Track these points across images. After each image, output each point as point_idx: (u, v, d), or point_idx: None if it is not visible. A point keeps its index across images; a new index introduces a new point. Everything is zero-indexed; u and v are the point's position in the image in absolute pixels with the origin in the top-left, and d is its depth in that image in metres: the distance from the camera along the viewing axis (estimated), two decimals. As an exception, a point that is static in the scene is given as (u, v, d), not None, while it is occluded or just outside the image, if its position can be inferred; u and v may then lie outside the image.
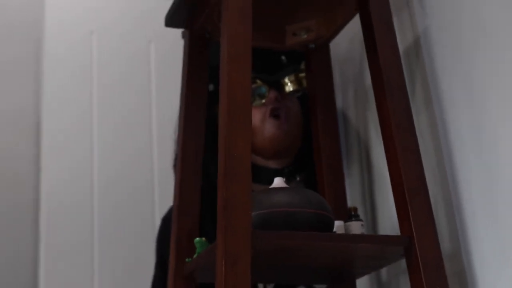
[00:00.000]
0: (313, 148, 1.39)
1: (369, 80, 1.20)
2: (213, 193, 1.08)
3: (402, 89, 1.15)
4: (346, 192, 1.37)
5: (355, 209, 1.17)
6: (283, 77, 1.47)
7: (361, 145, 1.46)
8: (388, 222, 1.33)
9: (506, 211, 1.03)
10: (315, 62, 1.40)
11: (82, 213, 2.01)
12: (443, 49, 1.18)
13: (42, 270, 1.94)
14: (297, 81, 1.47)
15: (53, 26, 2.13)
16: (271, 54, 1.44)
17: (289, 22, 1.31)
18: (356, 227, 1.15)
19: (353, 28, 1.33)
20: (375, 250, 1.08)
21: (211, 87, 1.41)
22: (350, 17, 1.30)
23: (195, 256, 1.17)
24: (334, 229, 1.13)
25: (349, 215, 1.17)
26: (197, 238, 1.17)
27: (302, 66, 1.48)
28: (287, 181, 1.15)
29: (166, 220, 1.52)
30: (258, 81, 1.43)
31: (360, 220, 1.16)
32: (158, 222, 1.64)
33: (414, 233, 1.05)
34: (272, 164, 1.48)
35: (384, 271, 1.35)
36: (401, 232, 1.09)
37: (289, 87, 1.47)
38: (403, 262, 1.10)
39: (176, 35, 1.39)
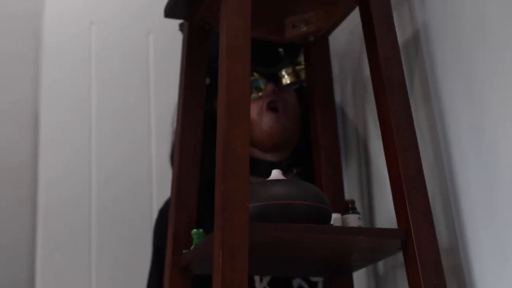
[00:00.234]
0: (312, 141, 1.38)
1: (368, 74, 1.20)
2: (210, 186, 1.08)
3: (401, 84, 1.15)
4: (344, 185, 1.37)
5: (353, 202, 1.17)
6: (281, 70, 1.47)
7: (359, 138, 1.46)
8: (386, 216, 1.33)
9: (503, 206, 1.03)
10: (314, 55, 1.40)
11: (80, 206, 2.01)
12: (443, 44, 1.18)
13: (39, 262, 1.94)
14: (294, 74, 1.47)
15: (52, 18, 2.12)
16: (269, 46, 1.44)
17: (288, 14, 1.31)
18: (353, 220, 1.15)
19: (353, 20, 1.33)
20: (372, 243, 1.08)
21: (207, 81, 1.41)
22: (350, 10, 1.30)
23: (192, 247, 1.17)
24: (331, 222, 1.13)
25: (346, 208, 1.17)
26: (194, 230, 1.17)
27: (299, 58, 1.47)
28: (284, 174, 1.14)
29: (163, 212, 1.52)
30: (255, 74, 1.43)
31: (357, 213, 1.16)
32: (155, 215, 1.64)
33: (411, 226, 1.05)
34: (269, 157, 1.48)
35: (381, 264, 1.35)
36: (398, 225, 1.09)
37: (286, 79, 1.47)
38: (400, 255, 1.10)
39: (175, 26, 1.39)
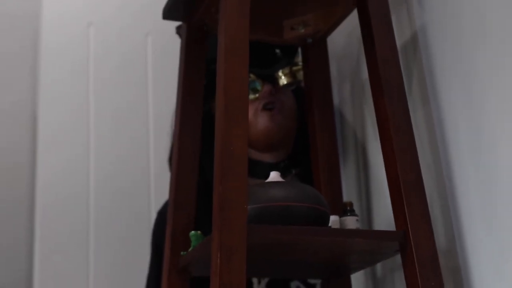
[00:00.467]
0: (310, 143, 1.38)
1: (366, 75, 1.20)
2: (208, 187, 1.08)
3: (399, 86, 1.15)
4: (342, 187, 1.37)
5: (351, 204, 1.17)
6: (278, 71, 1.47)
7: (358, 140, 1.46)
8: (384, 218, 1.33)
9: (501, 208, 1.03)
10: (312, 57, 1.40)
11: (78, 206, 2.01)
12: (441, 46, 1.18)
13: (37, 262, 1.94)
14: (291, 74, 1.47)
15: (51, 18, 2.12)
16: (266, 47, 1.44)
17: (287, 16, 1.31)
18: (351, 222, 1.15)
19: (351, 22, 1.33)
20: (370, 245, 1.08)
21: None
22: (348, 11, 1.30)
23: (190, 249, 1.17)
24: (330, 224, 1.13)
25: (344, 210, 1.17)
26: (193, 232, 1.17)
27: (296, 59, 1.47)
28: (282, 176, 1.14)
29: (162, 214, 1.52)
30: (252, 75, 1.43)
31: (356, 215, 1.16)
32: (153, 217, 1.64)
33: (409, 228, 1.05)
34: (267, 158, 1.48)
35: (379, 266, 1.35)
36: (396, 227, 1.09)
37: (283, 80, 1.47)
38: (398, 257, 1.10)
39: (174, 28, 1.39)
